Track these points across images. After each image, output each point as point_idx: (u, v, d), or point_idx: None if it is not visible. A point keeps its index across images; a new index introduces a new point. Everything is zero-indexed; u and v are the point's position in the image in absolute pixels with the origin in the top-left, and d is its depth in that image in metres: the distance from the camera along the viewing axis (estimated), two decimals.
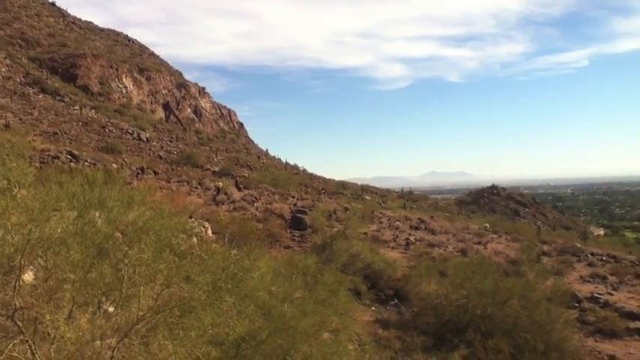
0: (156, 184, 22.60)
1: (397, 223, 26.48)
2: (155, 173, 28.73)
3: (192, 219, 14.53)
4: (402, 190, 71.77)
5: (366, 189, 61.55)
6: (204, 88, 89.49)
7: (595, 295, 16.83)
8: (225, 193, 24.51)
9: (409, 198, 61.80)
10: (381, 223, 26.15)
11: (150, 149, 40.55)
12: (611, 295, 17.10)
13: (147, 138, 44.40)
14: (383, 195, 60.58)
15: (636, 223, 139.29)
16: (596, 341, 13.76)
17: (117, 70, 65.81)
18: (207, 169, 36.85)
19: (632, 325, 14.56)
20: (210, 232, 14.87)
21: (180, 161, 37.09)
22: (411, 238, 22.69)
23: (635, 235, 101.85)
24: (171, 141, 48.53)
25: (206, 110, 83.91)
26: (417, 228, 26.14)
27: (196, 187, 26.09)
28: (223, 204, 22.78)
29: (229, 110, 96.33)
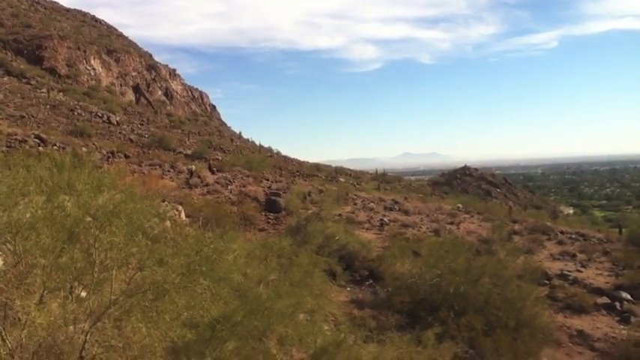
0: (127, 167, 22.26)
1: (371, 204, 26.64)
2: (126, 157, 28.28)
3: (165, 202, 14.39)
4: (376, 171, 72.19)
5: (340, 171, 61.72)
6: (175, 70, 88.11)
7: (564, 272, 17.22)
8: (199, 177, 24.30)
9: (383, 179, 62.19)
10: (355, 204, 26.26)
11: (120, 132, 39.86)
12: (580, 272, 17.52)
13: (117, 121, 43.61)
14: (357, 177, 60.82)
15: (604, 201, 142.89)
16: (565, 317, 14.12)
17: (85, 51, 64.25)
18: (180, 153, 36.44)
19: (600, 300, 14.98)
20: (183, 215, 14.75)
21: (152, 144, 36.57)
22: (385, 219, 22.85)
23: (603, 214, 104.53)
24: (142, 124, 47.77)
25: (177, 92, 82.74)
26: (391, 209, 26.33)
27: (169, 171, 25.78)
28: (197, 187, 22.58)
29: (201, 92, 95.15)
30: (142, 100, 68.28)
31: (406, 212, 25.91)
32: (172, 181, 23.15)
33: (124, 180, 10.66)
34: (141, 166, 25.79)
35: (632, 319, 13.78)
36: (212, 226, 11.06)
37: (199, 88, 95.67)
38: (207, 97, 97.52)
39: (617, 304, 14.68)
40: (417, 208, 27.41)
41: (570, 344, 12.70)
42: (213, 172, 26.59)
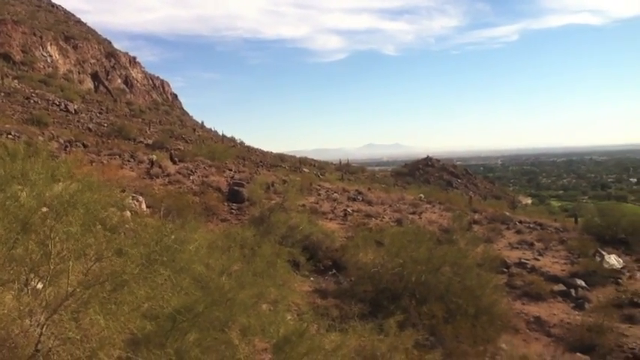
0: (85, 157, 21.75)
1: (335, 194, 26.72)
2: (84, 146, 27.66)
3: (125, 193, 14.12)
4: (340, 162, 72.51)
5: (304, 161, 61.76)
6: (135, 58, 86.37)
7: (522, 260, 17.64)
8: (160, 167, 23.92)
9: (347, 170, 62.53)
10: (319, 195, 26.30)
11: (78, 121, 38.94)
12: (537, 260, 17.96)
13: (75, 109, 42.57)
14: (321, 167, 60.97)
15: (561, 192, 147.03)
16: (523, 304, 14.47)
17: (41, 37, 62.35)
18: (140, 142, 35.84)
19: (556, 287, 15.40)
20: (144, 206, 14.52)
21: (112, 134, 35.85)
22: (348, 209, 22.96)
23: (559, 204, 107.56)
24: (101, 113, 46.76)
25: (138, 81, 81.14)
26: (354, 199, 26.47)
27: (129, 161, 25.30)
28: (158, 177, 22.23)
29: (162, 81, 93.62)
30: (101, 88, 66.75)
31: (369, 202, 26.09)
32: (132, 171, 22.74)
33: (81, 169, 10.41)
34: (100, 155, 25.26)
35: (586, 306, 14.21)
36: (173, 216, 10.91)
37: (160, 77, 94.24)
38: (169, 85, 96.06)
39: (573, 291, 15.12)
40: (380, 199, 27.62)
41: (527, 330, 13.03)
42: (174, 162, 26.23)
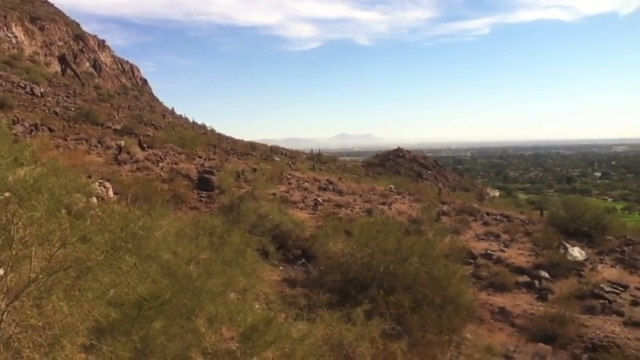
0: (51, 141, 21.26)
1: (306, 184, 26.71)
2: (50, 130, 27.03)
3: (92, 178, 13.87)
4: (312, 151, 72.52)
5: (275, 150, 61.57)
6: (104, 41, 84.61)
7: (489, 252, 17.93)
8: (128, 153, 23.53)
9: (318, 159, 62.56)
10: (290, 184, 26.25)
11: (45, 105, 38.02)
12: (503, 251, 18.28)
13: (41, 93, 41.54)
14: (292, 156, 60.90)
15: (528, 185, 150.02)
16: (488, 294, 14.74)
17: (5, 17, 60.51)
18: (108, 127, 35.18)
19: (521, 279, 15.72)
20: (111, 192, 14.27)
21: (79, 118, 35.10)
22: (319, 199, 22.98)
23: (526, 197, 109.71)
24: (68, 96, 45.73)
25: (106, 65, 79.55)
26: (325, 189, 26.50)
27: (96, 146, 24.82)
28: (126, 164, 21.87)
29: (132, 65, 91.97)
30: (69, 71, 65.20)
31: (340, 192, 26.16)
32: (100, 156, 22.33)
33: (47, 154, 10.18)
34: (66, 140, 24.73)
35: (549, 297, 14.56)
36: (141, 203, 10.76)
37: (130, 61, 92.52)
38: (139, 70, 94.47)
39: (537, 282, 15.45)
40: (351, 189, 27.72)
41: (492, 320, 13.29)
42: (143, 149, 25.84)
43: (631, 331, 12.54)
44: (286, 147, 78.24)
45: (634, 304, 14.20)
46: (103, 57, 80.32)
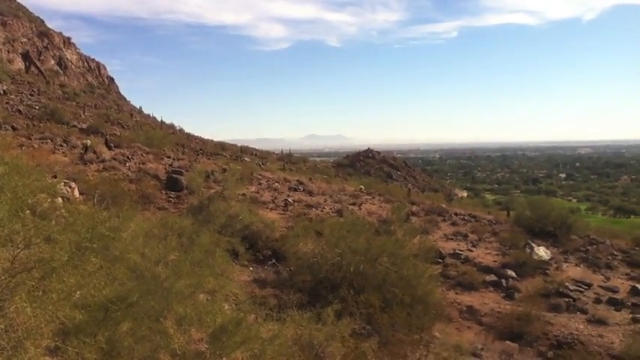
0: (14, 140, 20.74)
1: (276, 184, 26.65)
2: (14, 129, 26.38)
3: (57, 178, 13.56)
4: (282, 152, 72.43)
5: (245, 150, 61.29)
6: (69, 39, 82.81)
7: (457, 251, 18.17)
8: (94, 152, 23.09)
9: (289, 160, 62.51)
10: (260, 184, 26.15)
11: (7, 103, 37.07)
12: (471, 251, 18.55)
13: (4, 90, 40.50)
14: (263, 156, 60.72)
15: (495, 186, 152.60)
16: (456, 293, 14.93)
17: None
18: (74, 126, 34.48)
19: (488, 278, 15.96)
20: (77, 192, 13.98)
21: (43, 117, 34.33)
22: (289, 200, 22.95)
23: (493, 197, 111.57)
24: (32, 94, 44.68)
25: (72, 62, 77.95)
26: (295, 189, 26.48)
27: (61, 145, 24.28)
28: (92, 163, 21.46)
29: (98, 63, 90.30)
30: (33, 68, 63.69)
31: (310, 193, 26.17)
32: (65, 156, 21.87)
33: (9, 153, 9.92)
34: (30, 139, 24.14)
35: (516, 295, 14.82)
36: (108, 204, 10.57)
37: (96, 59, 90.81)
38: (105, 68, 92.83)
39: (503, 281, 15.71)
40: (321, 189, 27.77)
41: (460, 319, 13.46)
42: (110, 148, 25.39)
43: (594, 328, 12.87)
44: (256, 147, 77.99)
45: (597, 301, 14.58)
46: (69, 54, 78.65)
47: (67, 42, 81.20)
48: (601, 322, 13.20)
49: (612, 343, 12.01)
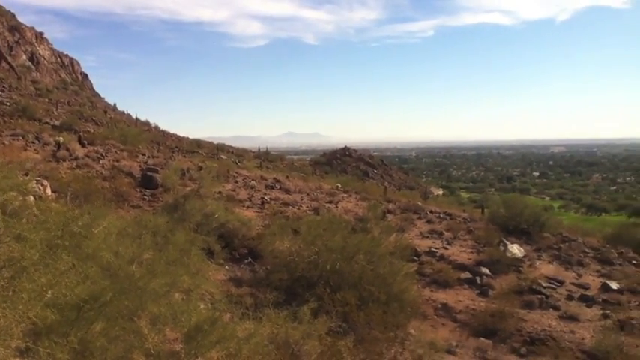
0: None
1: (253, 182, 26.55)
2: None
3: (29, 176, 13.32)
4: (259, 150, 72.15)
5: (222, 148, 60.95)
6: (42, 34, 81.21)
7: (432, 249, 18.32)
8: (67, 150, 22.71)
9: (265, 158, 62.29)
10: (236, 182, 26.02)
11: None
12: (446, 249, 18.72)
13: None
14: (239, 154, 60.44)
15: (470, 184, 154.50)
16: (432, 291, 15.06)
17: None
18: (47, 123, 33.85)
19: (463, 275, 16.13)
20: (49, 190, 13.74)
21: (15, 113, 33.65)
22: (266, 198, 22.89)
23: (468, 195, 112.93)
24: (3, 91, 43.77)
25: (45, 58, 76.53)
26: (272, 187, 26.42)
27: (33, 142, 23.85)
28: (65, 161, 21.11)
29: (72, 59, 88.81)
30: (4, 64, 62.32)
31: (287, 191, 26.14)
32: (37, 153, 21.48)
33: None
34: (1, 136, 23.67)
35: (490, 292, 15.00)
36: (81, 202, 10.41)
37: (70, 55, 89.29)
38: (79, 64, 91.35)
39: (478, 278, 15.90)
40: (298, 187, 27.76)
41: (435, 316, 13.58)
42: (83, 146, 25.01)
43: (566, 324, 13.10)
44: (233, 145, 77.54)
45: (569, 298, 14.85)
46: (41, 50, 77.17)
47: (40, 37, 79.66)
48: (573, 318, 13.45)
49: (583, 338, 12.24)
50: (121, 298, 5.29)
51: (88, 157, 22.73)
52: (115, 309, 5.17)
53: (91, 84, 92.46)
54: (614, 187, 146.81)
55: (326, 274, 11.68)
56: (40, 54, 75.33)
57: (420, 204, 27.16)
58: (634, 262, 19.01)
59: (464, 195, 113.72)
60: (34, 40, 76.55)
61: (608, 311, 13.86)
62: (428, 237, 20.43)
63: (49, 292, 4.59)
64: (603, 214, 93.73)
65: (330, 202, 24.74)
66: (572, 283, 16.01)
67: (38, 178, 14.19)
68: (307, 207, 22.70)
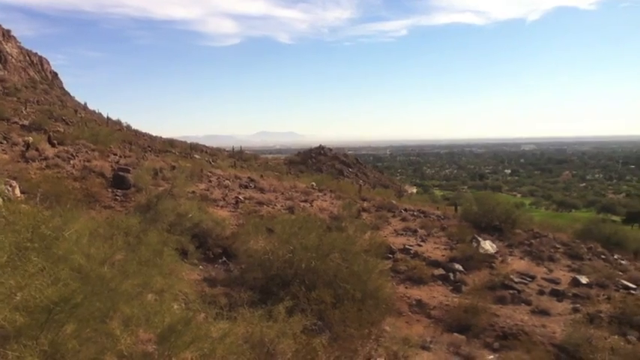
0: None
1: (227, 181, 26.39)
2: None
3: None
4: (233, 149, 71.81)
5: (195, 147, 60.50)
6: (9, 31, 79.50)
7: (406, 246, 18.47)
8: (37, 149, 22.27)
9: (240, 157, 62.00)
10: (210, 181, 25.84)
11: None
12: (420, 246, 18.89)
13: None
14: (213, 154, 60.06)
15: (444, 182, 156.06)
16: (406, 288, 15.18)
17: None
18: (15, 123, 33.17)
19: (436, 272, 16.31)
20: (18, 191, 13.46)
21: None
22: (240, 197, 22.77)
23: (442, 193, 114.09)
24: None
25: (12, 56, 74.91)
26: (246, 187, 26.31)
27: (1, 142, 23.32)
28: (34, 161, 20.70)
29: (41, 58, 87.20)
30: None
31: (262, 190, 26.05)
32: (5, 154, 21.02)
33: None
34: None
35: (463, 288, 15.19)
36: (51, 203, 10.23)
37: (39, 53, 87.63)
38: (48, 63, 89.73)
39: (451, 274, 16.08)
40: (273, 186, 27.68)
41: (410, 313, 13.70)
42: (53, 145, 24.55)
43: (538, 318, 13.35)
44: (207, 144, 77.02)
45: (540, 293, 15.13)
46: (9, 48, 75.54)
47: (7, 35, 77.97)
48: (544, 312, 13.71)
49: (554, 332, 12.48)
50: (92, 300, 5.23)
51: (58, 157, 22.32)
52: (86, 311, 5.10)
53: (61, 83, 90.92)
54: (584, 184, 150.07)
55: (301, 273, 11.68)
56: (7, 52, 73.74)
57: (394, 202, 27.34)
58: (603, 256, 19.46)
59: (437, 192, 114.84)
60: (1, 38, 74.91)
61: (578, 305, 14.17)
62: (402, 234, 20.58)
63: (18, 294, 4.51)
64: (573, 210, 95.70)
65: (305, 201, 24.74)
66: (544, 278, 16.31)
67: (7, 179, 13.90)
68: (282, 206, 22.66)
